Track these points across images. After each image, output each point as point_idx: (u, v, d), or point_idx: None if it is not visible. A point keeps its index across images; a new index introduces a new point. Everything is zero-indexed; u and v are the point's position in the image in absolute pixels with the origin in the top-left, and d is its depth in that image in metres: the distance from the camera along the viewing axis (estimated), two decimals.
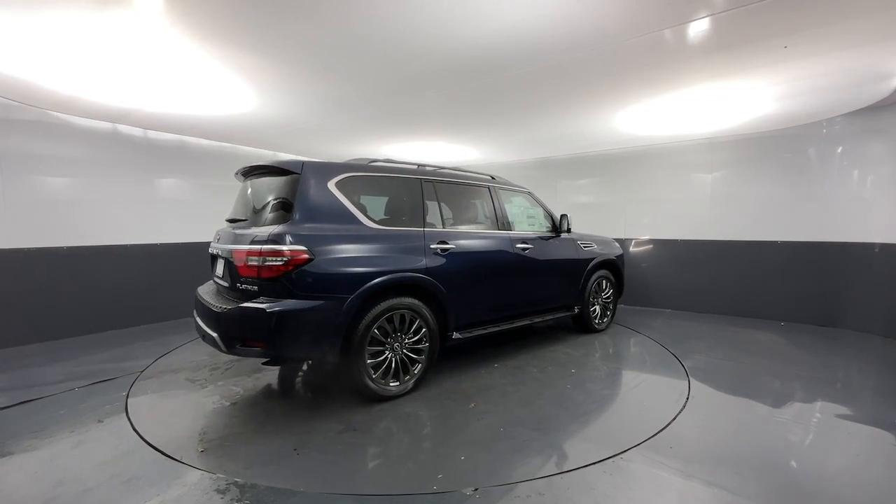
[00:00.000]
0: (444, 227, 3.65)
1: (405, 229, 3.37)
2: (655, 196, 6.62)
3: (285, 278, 2.77)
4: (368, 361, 3.07)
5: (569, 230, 4.70)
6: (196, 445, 2.60)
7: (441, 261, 3.45)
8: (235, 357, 4.12)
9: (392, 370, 3.22)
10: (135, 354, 4.34)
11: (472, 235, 3.82)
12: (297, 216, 2.91)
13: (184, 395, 3.36)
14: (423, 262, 3.33)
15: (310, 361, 4.03)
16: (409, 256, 3.26)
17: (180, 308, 5.82)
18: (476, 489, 2.16)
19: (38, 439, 2.67)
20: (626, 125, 5.37)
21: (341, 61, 3.39)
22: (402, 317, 3.24)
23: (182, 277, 5.62)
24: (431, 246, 3.42)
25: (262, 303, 2.76)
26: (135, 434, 2.73)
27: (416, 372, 3.34)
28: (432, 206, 3.65)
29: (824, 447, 2.60)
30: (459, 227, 3.86)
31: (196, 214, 6.06)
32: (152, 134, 5.66)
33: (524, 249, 4.16)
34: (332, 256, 2.92)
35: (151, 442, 2.62)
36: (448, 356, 4.23)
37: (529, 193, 4.73)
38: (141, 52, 3.18)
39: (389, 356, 3.20)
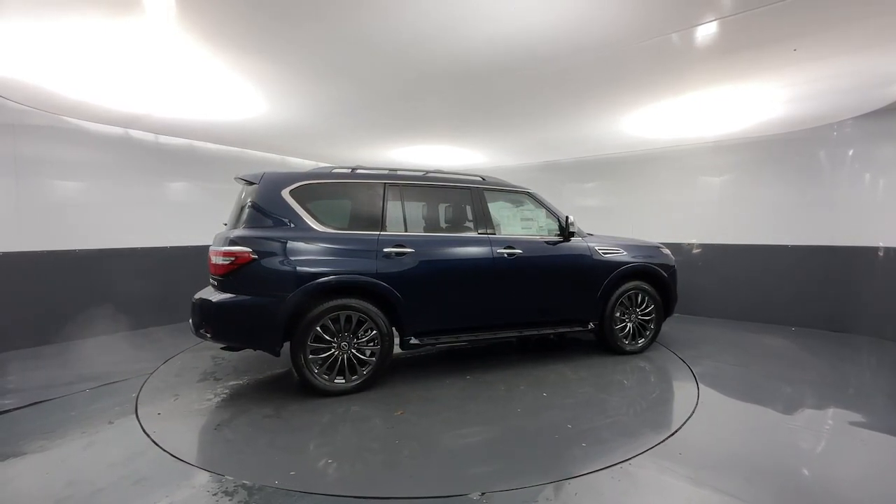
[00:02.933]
0: (406, 231, 3.63)
1: (357, 233, 3.48)
2: (663, 199, 6.58)
3: (232, 275, 3.18)
4: (311, 356, 3.27)
5: (572, 234, 4.14)
6: (157, 411, 3.11)
7: (396, 264, 3.47)
8: (237, 355, 4.30)
9: (337, 368, 3.35)
10: (145, 356, 4.38)
11: (438, 239, 3.75)
12: (252, 221, 3.31)
13: (192, 395, 3.38)
14: (374, 265, 3.40)
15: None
16: (357, 259, 3.38)
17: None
18: (483, 493, 2.15)
19: (50, 440, 2.70)
20: (633, 128, 5.35)
21: (349, 66, 3.42)
22: (349, 318, 3.35)
23: (191, 280, 5.66)
24: (385, 249, 3.45)
25: (210, 295, 3.21)
26: (144, 435, 2.75)
27: (364, 372, 3.42)
28: (395, 211, 3.64)
29: (837, 455, 2.56)
30: (426, 230, 3.84)
31: (206, 217, 6.10)
32: (163, 138, 5.73)
33: (510, 255, 3.84)
34: (274, 258, 3.21)
35: (160, 443, 2.64)
36: (422, 361, 4.25)
37: (529, 194, 4.28)
38: (152, 58, 3.23)
39: (336, 354, 3.34)
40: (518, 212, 4.41)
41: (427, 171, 3.99)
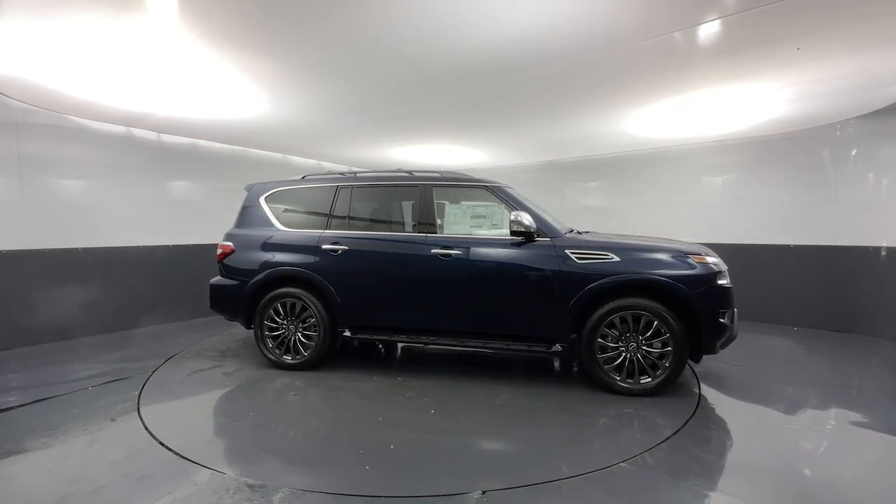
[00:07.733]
0: (347, 230, 3.91)
1: (305, 231, 4.01)
2: (666, 199, 6.57)
3: (222, 262, 4.16)
4: (267, 334, 3.96)
5: (522, 234, 3.42)
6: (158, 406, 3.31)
7: (331, 260, 3.83)
8: (238, 350, 4.31)
9: (285, 346, 3.96)
10: (147, 354, 4.40)
11: (369, 238, 3.86)
12: (240, 222, 4.26)
13: (193, 393, 3.40)
14: (314, 260, 3.86)
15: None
16: (302, 255, 3.91)
17: (192, 308, 5.89)
18: (484, 492, 2.15)
19: (52, 437, 2.71)
20: (635, 128, 5.35)
21: (351, 65, 3.42)
22: (294, 304, 3.91)
23: (193, 278, 5.69)
24: (324, 247, 3.85)
25: (213, 277, 4.20)
26: (146, 433, 2.76)
27: (306, 354, 3.89)
28: (342, 211, 3.99)
29: (839, 455, 2.56)
30: (366, 229, 3.98)
31: (208, 216, 6.13)
32: (165, 137, 5.74)
33: (444, 256, 3.56)
34: (245, 251, 4.07)
35: (163, 441, 2.65)
36: (389, 355, 4.45)
37: (487, 188, 3.74)
38: (156, 57, 3.24)
39: (286, 334, 3.95)
40: (465, 208, 3.98)
41: (412, 171, 4.00)
